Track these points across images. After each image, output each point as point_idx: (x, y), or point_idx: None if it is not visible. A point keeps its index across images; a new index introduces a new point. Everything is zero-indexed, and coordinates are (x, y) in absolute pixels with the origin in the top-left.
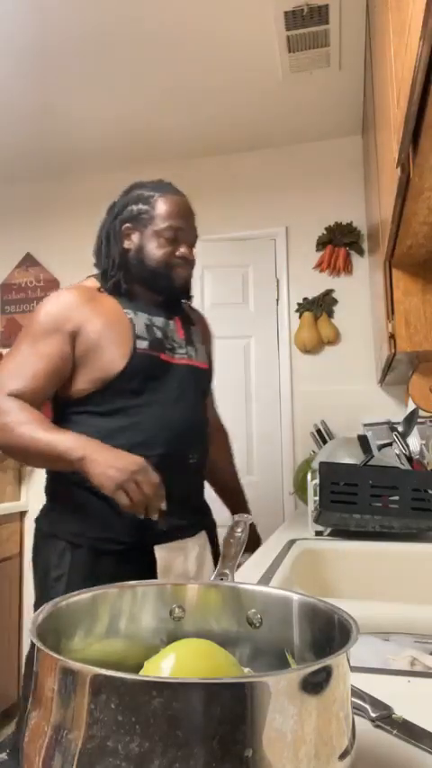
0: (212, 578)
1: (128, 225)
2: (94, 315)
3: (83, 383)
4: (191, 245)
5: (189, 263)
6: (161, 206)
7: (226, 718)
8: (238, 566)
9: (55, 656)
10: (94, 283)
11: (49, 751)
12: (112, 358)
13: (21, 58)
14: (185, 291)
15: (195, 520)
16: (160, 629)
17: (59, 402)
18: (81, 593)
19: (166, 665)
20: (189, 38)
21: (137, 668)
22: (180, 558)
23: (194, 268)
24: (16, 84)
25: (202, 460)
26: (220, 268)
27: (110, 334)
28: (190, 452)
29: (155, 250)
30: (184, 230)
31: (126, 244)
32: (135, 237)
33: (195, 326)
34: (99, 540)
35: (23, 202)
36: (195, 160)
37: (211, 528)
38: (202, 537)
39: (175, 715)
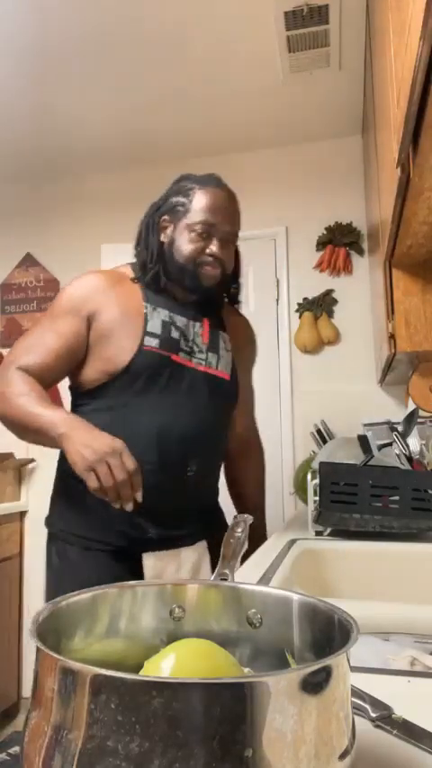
0: (212, 578)
1: (165, 217)
2: (114, 302)
3: (92, 372)
4: (226, 243)
5: (220, 261)
6: (197, 199)
7: (226, 718)
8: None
9: (55, 656)
10: (128, 271)
11: (49, 751)
12: (120, 350)
13: (21, 57)
14: (216, 292)
15: (194, 529)
16: (160, 629)
17: (72, 392)
18: (81, 593)
19: (166, 665)
20: (189, 38)
21: (137, 668)
22: (172, 567)
23: (235, 269)
24: (16, 84)
25: (205, 472)
26: None
27: (123, 326)
28: (189, 463)
29: (185, 245)
30: (217, 226)
31: (162, 236)
32: (170, 230)
33: (227, 333)
34: (88, 540)
35: (23, 202)
36: (195, 160)
37: (215, 533)
38: (201, 546)
39: (175, 715)
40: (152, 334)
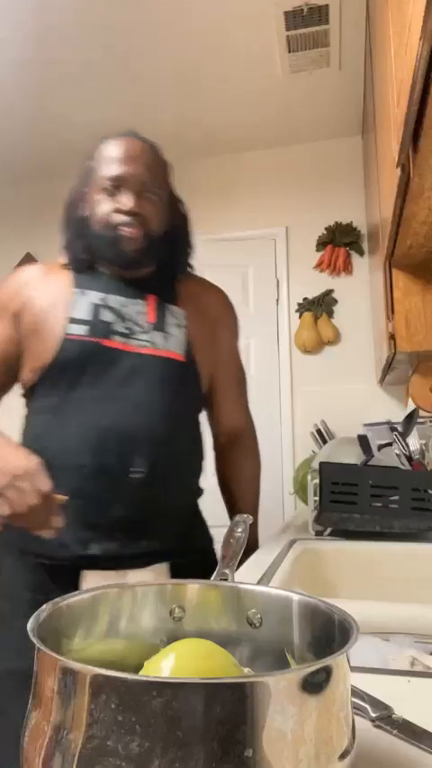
0: (212, 578)
1: (84, 189)
2: (41, 294)
3: (27, 372)
4: (143, 195)
5: (140, 219)
6: (102, 153)
7: (226, 718)
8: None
9: (55, 656)
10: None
11: (49, 751)
12: (46, 344)
13: (20, 59)
14: (149, 258)
15: (153, 547)
16: (160, 629)
17: (24, 398)
18: (81, 593)
19: (166, 665)
20: (189, 38)
21: (137, 668)
22: None
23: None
24: (16, 85)
25: (161, 473)
26: (220, 268)
27: (49, 317)
28: (134, 463)
29: (97, 209)
30: (128, 178)
31: (84, 210)
32: (89, 201)
33: (182, 307)
34: (28, 553)
35: (23, 202)
36: (195, 160)
37: (191, 550)
38: (158, 570)
39: (176, 715)
40: (79, 321)
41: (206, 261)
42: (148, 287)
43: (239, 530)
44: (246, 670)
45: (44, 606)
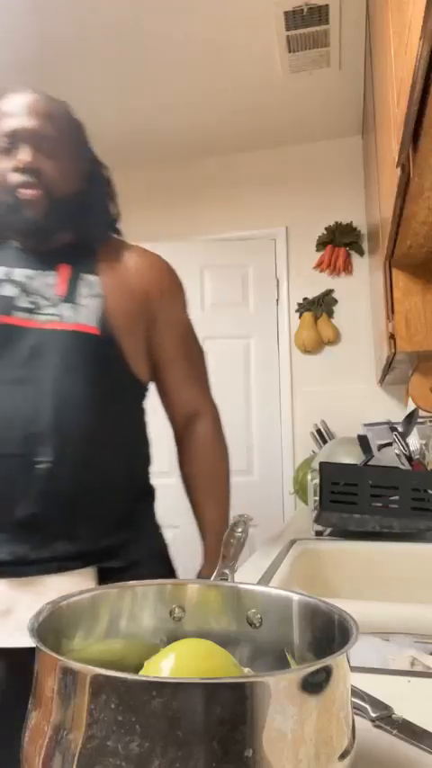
0: (212, 578)
1: None
2: None
3: None
4: (42, 149)
5: (38, 174)
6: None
7: (226, 718)
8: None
9: (55, 656)
10: None
11: (49, 751)
12: None
13: (19, 59)
14: (56, 222)
15: (75, 549)
16: (160, 629)
17: None
18: (81, 592)
19: (165, 665)
20: (189, 38)
21: (137, 668)
22: (27, 600)
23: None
24: (16, 83)
25: (75, 462)
26: (220, 268)
27: None
28: (37, 452)
29: None
30: (21, 132)
31: None
32: None
33: (102, 276)
34: None
35: None
36: (195, 160)
37: (113, 560)
38: (84, 575)
39: (175, 715)
40: None
41: (206, 261)
42: (62, 257)
43: (239, 530)
44: (246, 670)
45: (44, 606)
